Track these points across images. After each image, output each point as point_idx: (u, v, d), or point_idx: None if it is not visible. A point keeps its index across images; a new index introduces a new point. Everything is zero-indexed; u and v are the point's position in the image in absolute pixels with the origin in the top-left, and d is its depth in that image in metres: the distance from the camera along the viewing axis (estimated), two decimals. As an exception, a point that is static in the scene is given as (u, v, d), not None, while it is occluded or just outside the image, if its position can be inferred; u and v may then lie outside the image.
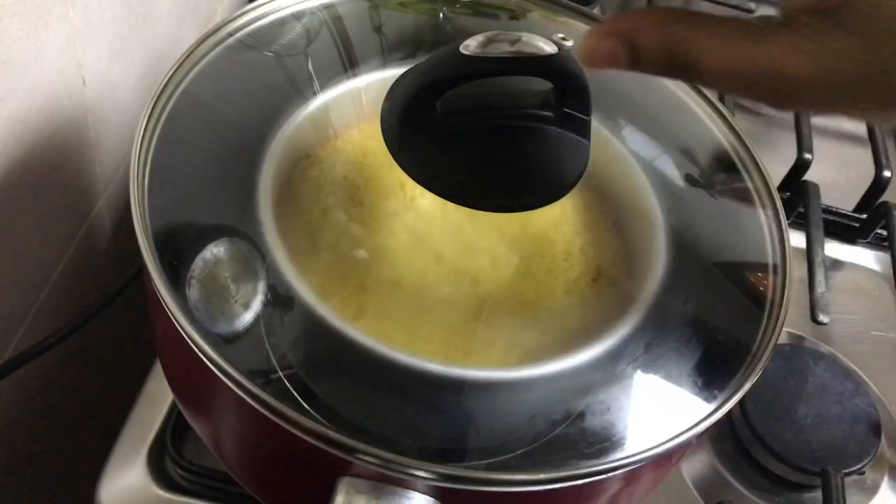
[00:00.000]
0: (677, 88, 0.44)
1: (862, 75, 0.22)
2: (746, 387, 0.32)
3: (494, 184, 0.32)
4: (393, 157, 0.32)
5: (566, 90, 0.32)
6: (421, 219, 0.38)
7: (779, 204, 0.39)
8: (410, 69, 0.33)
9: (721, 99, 0.67)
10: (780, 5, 0.24)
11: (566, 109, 0.32)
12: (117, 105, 0.49)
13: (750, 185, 0.41)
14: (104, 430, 0.48)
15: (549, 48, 0.30)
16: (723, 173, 0.42)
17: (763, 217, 0.39)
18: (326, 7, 0.43)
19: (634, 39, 0.24)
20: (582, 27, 0.46)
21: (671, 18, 0.24)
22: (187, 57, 0.38)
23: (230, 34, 0.40)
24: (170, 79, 0.37)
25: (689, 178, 0.41)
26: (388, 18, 0.44)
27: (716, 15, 0.24)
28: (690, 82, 0.25)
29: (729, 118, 0.42)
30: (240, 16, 0.41)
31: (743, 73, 0.23)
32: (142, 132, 0.34)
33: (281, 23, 0.42)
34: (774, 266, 0.37)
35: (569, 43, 0.32)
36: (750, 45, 0.23)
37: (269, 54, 0.41)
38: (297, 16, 0.42)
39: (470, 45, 0.30)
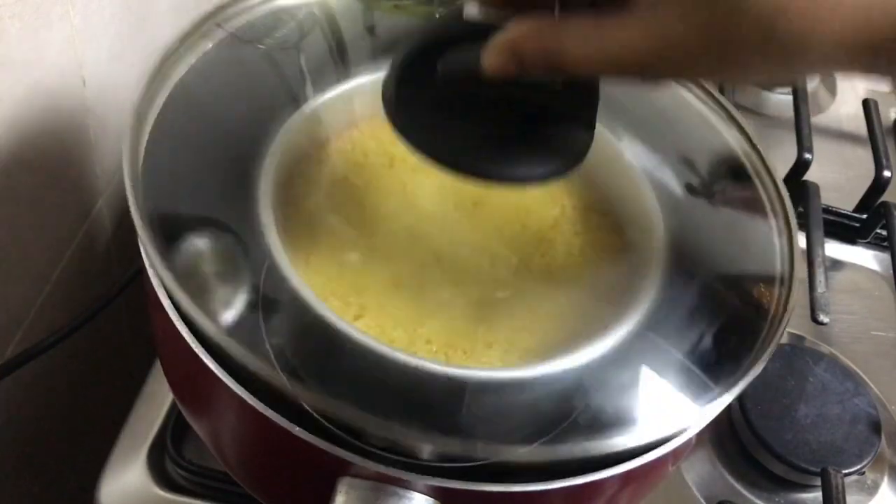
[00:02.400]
0: (681, 88, 0.44)
1: (691, 45, 0.24)
2: (743, 385, 0.32)
3: (494, 155, 0.31)
4: (391, 124, 0.31)
5: None
6: (421, 219, 0.38)
7: (788, 203, 0.38)
8: (410, 34, 0.32)
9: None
10: None
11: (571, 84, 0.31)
12: (117, 105, 0.49)
13: (758, 185, 0.40)
14: (104, 430, 0.48)
15: None
16: (723, 174, 0.41)
17: (765, 217, 0.39)
18: (326, 7, 0.43)
19: (516, 51, 0.27)
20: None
21: (544, 25, 0.26)
22: (180, 45, 0.37)
23: (229, 32, 0.40)
24: (159, 71, 0.36)
25: (690, 179, 0.41)
26: (388, 18, 0.44)
27: (581, 12, 0.26)
28: (571, 76, 0.27)
29: (738, 119, 0.42)
30: (240, 15, 0.40)
31: (605, 61, 0.25)
32: (130, 131, 0.34)
33: (281, 23, 0.42)
34: (778, 268, 0.37)
35: None
36: (605, 36, 0.25)
37: (271, 55, 0.41)
38: (298, 16, 0.42)
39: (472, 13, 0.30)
